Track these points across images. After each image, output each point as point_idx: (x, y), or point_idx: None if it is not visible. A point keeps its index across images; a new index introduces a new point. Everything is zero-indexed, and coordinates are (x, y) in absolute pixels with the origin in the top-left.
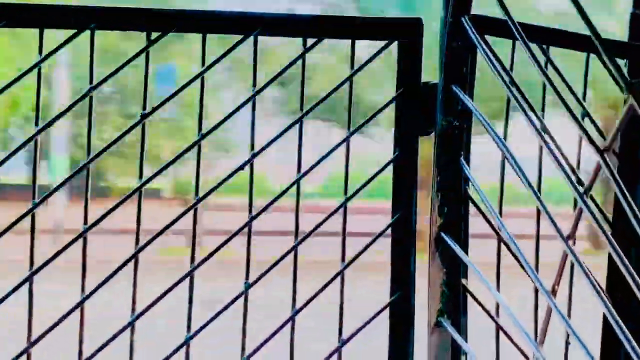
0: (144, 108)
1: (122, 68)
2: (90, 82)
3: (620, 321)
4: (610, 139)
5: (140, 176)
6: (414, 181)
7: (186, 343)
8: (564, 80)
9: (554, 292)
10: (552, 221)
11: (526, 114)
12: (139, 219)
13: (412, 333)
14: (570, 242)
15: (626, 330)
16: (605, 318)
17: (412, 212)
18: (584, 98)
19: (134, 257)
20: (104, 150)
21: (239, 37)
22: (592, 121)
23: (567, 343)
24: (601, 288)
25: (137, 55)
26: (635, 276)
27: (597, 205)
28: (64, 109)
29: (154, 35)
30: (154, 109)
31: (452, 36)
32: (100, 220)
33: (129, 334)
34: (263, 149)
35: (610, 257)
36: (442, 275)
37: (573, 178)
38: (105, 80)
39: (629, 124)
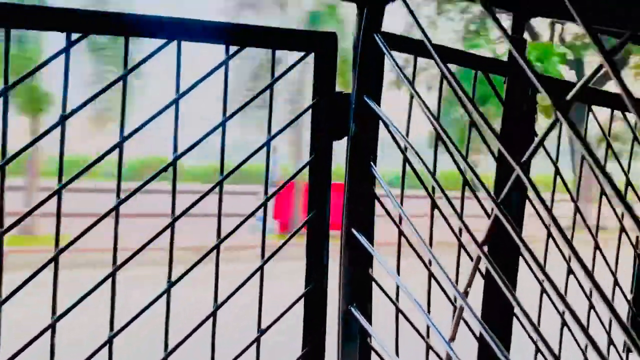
0: (64, 109)
1: (37, 71)
2: (5, 82)
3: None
4: (529, 154)
5: (60, 179)
6: (328, 182)
7: (109, 341)
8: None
9: (466, 293)
10: (465, 226)
11: (426, 111)
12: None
13: (325, 321)
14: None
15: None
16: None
17: (326, 210)
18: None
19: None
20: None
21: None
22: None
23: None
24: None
25: (55, 56)
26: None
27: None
28: None
29: (75, 36)
30: (74, 111)
31: (364, 50)
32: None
33: None
34: (185, 152)
35: None
36: (352, 267)
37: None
38: (19, 82)
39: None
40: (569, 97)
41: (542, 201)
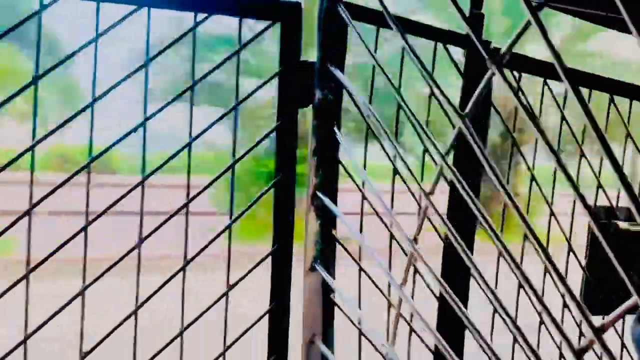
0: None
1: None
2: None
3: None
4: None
5: (33, 137)
6: (294, 147)
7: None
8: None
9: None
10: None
11: (389, 79)
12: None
13: (290, 275)
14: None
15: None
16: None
17: (292, 173)
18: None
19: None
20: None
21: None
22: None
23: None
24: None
25: (27, 19)
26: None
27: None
28: None
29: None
30: (46, 72)
31: (328, 20)
32: None
33: None
34: (136, 127)
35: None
36: (317, 227)
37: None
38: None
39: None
40: (502, 50)
41: (468, 194)
